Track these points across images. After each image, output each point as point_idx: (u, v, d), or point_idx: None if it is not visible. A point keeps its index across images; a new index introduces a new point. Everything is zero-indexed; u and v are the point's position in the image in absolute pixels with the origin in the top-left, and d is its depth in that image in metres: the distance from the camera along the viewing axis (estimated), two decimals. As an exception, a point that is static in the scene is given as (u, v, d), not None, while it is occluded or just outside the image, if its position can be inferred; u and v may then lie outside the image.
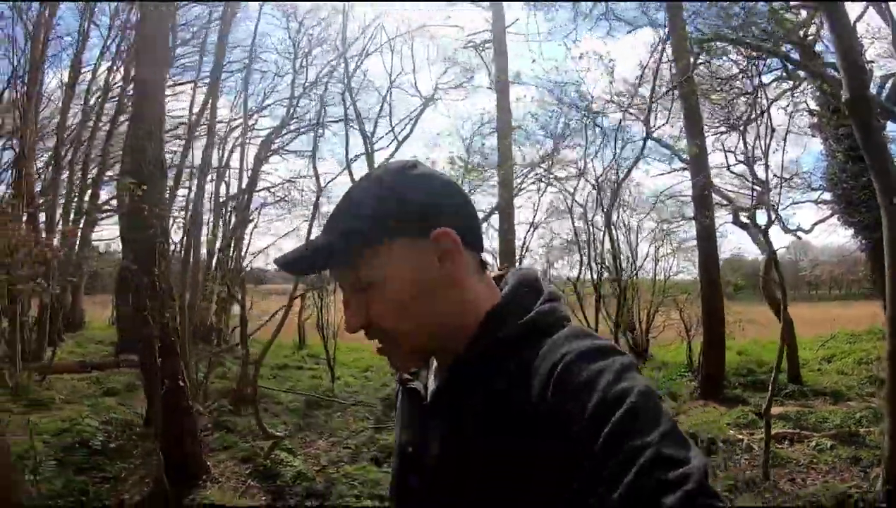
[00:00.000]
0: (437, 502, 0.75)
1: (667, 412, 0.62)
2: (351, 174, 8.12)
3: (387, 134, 9.36)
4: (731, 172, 8.10)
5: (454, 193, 0.78)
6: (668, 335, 11.70)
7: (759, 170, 8.98)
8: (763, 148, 6.21)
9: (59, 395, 8.17)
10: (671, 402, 7.83)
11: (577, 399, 0.63)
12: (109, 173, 14.98)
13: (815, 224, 11.44)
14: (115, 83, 14.43)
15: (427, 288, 0.74)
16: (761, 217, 9.41)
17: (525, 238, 8.29)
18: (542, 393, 0.66)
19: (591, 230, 6.58)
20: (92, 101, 14.51)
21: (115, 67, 14.48)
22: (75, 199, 14.61)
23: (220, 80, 11.43)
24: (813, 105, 10.49)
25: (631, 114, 8.64)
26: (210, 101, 10.15)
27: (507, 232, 8.41)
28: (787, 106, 9.00)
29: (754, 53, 8.49)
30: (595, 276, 6.62)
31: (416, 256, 0.73)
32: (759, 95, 8.87)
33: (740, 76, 9.62)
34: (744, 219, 9.48)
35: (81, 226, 13.68)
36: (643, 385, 0.63)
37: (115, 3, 14.07)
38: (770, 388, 5.25)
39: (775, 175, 6.67)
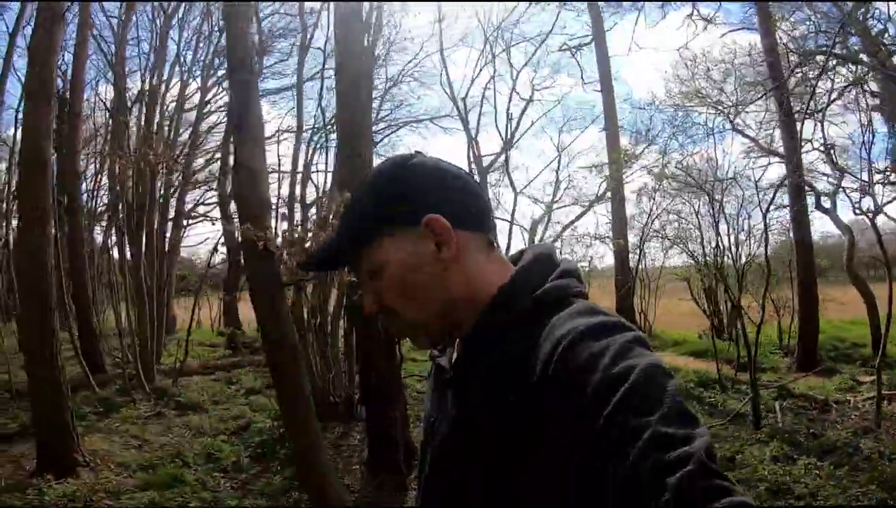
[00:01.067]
0: (447, 473, 0.83)
1: (672, 389, 0.64)
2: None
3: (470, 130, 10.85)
4: (833, 163, 9.43)
5: (447, 180, 0.86)
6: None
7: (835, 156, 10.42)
8: (868, 141, 7.51)
9: (202, 396, 9.10)
10: (772, 376, 9.26)
11: (580, 376, 0.66)
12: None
13: (887, 203, 12.81)
14: (189, 95, 16.09)
15: (428, 272, 0.83)
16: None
17: (643, 230, 9.80)
18: (545, 369, 0.70)
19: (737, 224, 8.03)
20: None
21: (189, 78, 16.08)
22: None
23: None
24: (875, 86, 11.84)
25: (720, 111, 10.13)
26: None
27: (619, 223, 9.86)
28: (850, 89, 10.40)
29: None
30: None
31: (412, 244, 0.83)
32: (833, 82, 10.28)
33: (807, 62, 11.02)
34: (825, 204, 10.86)
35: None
36: (648, 362, 0.66)
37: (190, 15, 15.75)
38: (880, 352, 6.68)
39: (878, 170, 7.97)
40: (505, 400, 0.73)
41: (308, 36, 10.27)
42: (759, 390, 7.89)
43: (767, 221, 7.41)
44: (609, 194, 9.77)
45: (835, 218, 10.40)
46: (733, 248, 8.48)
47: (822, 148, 10.60)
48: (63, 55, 15.56)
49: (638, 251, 9.97)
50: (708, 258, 11.29)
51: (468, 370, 0.82)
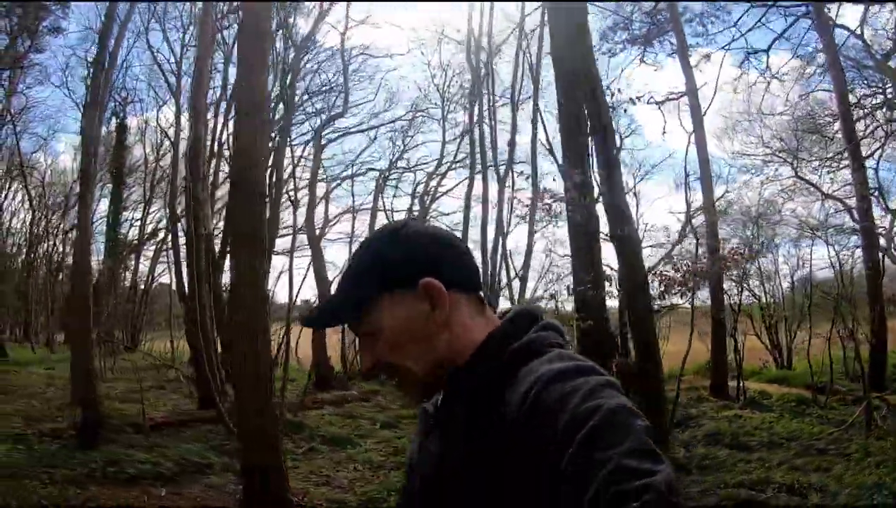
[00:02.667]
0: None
1: (639, 428, 0.76)
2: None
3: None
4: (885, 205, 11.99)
5: (439, 246, 1.03)
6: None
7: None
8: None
9: (343, 430, 10.16)
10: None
11: (551, 414, 0.79)
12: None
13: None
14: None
15: (421, 332, 0.98)
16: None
17: (743, 270, 12.07)
18: (520, 409, 0.83)
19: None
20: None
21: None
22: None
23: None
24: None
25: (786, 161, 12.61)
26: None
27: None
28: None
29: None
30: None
31: (408, 306, 0.99)
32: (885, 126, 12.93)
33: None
34: (883, 243, 13.32)
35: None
36: (615, 402, 0.78)
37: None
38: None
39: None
40: (482, 439, 0.88)
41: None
42: (846, 404, 10.13)
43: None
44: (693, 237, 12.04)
45: (892, 256, 12.82)
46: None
47: (875, 192, 13.16)
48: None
49: (739, 289, 12.27)
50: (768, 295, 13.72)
51: (450, 412, 0.98)
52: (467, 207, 15.46)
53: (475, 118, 14.96)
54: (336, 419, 11.34)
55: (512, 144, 15.18)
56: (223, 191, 17.33)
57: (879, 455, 7.35)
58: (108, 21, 10.96)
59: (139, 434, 8.90)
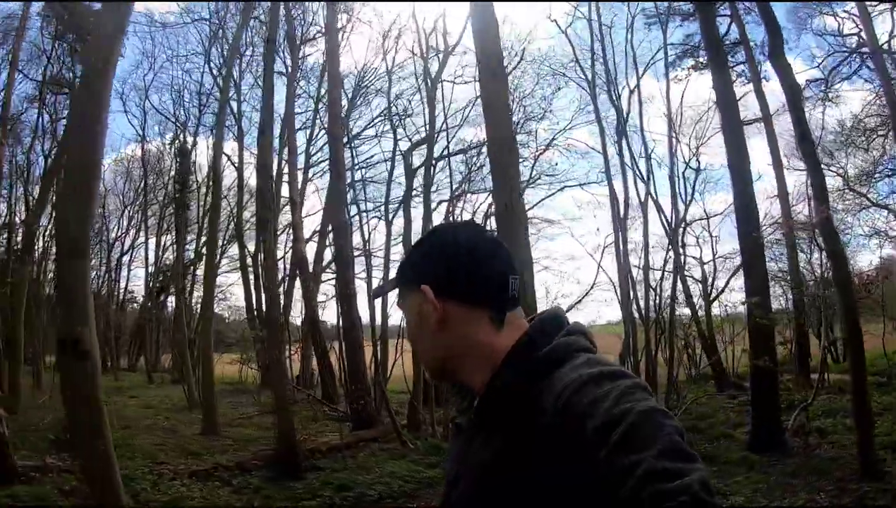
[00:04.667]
0: None
1: (671, 429, 0.84)
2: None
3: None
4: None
5: (459, 257, 1.14)
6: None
7: None
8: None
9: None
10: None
11: (583, 418, 0.87)
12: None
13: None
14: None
15: (421, 329, 1.17)
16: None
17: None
18: (553, 414, 0.92)
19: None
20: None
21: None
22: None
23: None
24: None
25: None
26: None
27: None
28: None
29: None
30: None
31: (416, 303, 1.17)
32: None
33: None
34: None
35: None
36: (645, 405, 0.86)
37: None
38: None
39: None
40: (519, 447, 0.96)
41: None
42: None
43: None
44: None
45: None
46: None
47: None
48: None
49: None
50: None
51: (484, 421, 1.08)
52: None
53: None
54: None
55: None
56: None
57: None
58: (269, 45, 12.76)
59: (325, 458, 9.68)
